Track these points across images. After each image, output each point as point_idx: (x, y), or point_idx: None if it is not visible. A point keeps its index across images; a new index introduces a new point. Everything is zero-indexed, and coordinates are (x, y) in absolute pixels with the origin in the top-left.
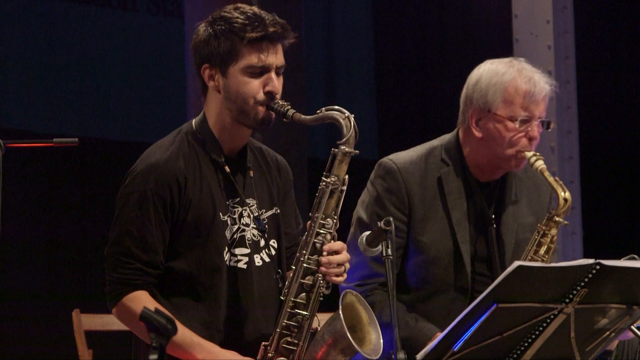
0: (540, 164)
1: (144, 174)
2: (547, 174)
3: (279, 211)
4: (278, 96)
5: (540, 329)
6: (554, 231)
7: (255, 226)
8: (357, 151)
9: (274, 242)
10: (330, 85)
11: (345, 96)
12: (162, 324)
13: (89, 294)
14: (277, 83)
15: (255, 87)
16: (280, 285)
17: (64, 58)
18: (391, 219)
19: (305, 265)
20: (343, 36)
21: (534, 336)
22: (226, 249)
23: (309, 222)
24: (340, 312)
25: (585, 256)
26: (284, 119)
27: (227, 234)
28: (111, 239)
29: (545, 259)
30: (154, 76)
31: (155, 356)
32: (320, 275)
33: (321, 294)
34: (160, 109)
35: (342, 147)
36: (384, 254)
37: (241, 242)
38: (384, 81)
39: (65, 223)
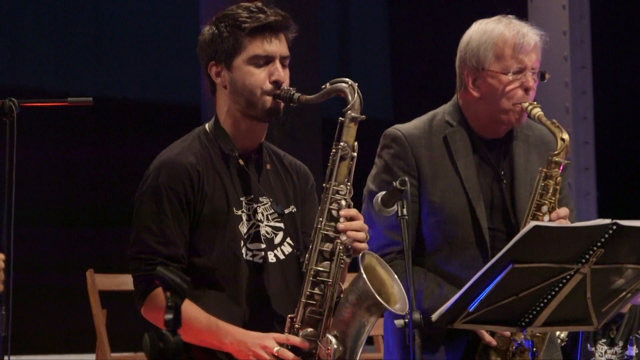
0: (537, 111)
1: (155, 171)
2: (544, 119)
3: (295, 210)
4: (284, 85)
5: (557, 289)
6: (556, 172)
7: (269, 224)
8: (363, 116)
9: (290, 240)
10: (345, 51)
11: (360, 61)
12: (176, 283)
13: (102, 254)
14: (282, 72)
15: (261, 77)
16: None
17: (78, 17)
18: (407, 178)
19: (323, 232)
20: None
21: (550, 296)
22: (242, 242)
23: (323, 191)
24: (362, 270)
25: (600, 217)
26: (292, 104)
27: (242, 229)
28: (132, 239)
29: (552, 200)
30: (169, 34)
31: (170, 315)
32: (339, 241)
33: (342, 262)
34: (174, 68)
35: (349, 113)
36: (399, 214)
37: (256, 238)
38: (399, 46)
39: (80, 183)
